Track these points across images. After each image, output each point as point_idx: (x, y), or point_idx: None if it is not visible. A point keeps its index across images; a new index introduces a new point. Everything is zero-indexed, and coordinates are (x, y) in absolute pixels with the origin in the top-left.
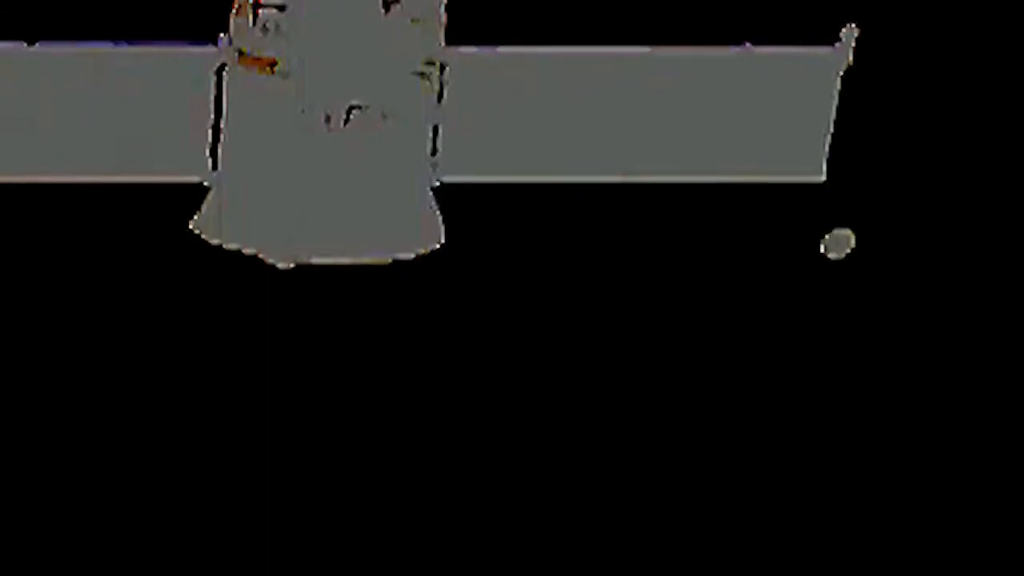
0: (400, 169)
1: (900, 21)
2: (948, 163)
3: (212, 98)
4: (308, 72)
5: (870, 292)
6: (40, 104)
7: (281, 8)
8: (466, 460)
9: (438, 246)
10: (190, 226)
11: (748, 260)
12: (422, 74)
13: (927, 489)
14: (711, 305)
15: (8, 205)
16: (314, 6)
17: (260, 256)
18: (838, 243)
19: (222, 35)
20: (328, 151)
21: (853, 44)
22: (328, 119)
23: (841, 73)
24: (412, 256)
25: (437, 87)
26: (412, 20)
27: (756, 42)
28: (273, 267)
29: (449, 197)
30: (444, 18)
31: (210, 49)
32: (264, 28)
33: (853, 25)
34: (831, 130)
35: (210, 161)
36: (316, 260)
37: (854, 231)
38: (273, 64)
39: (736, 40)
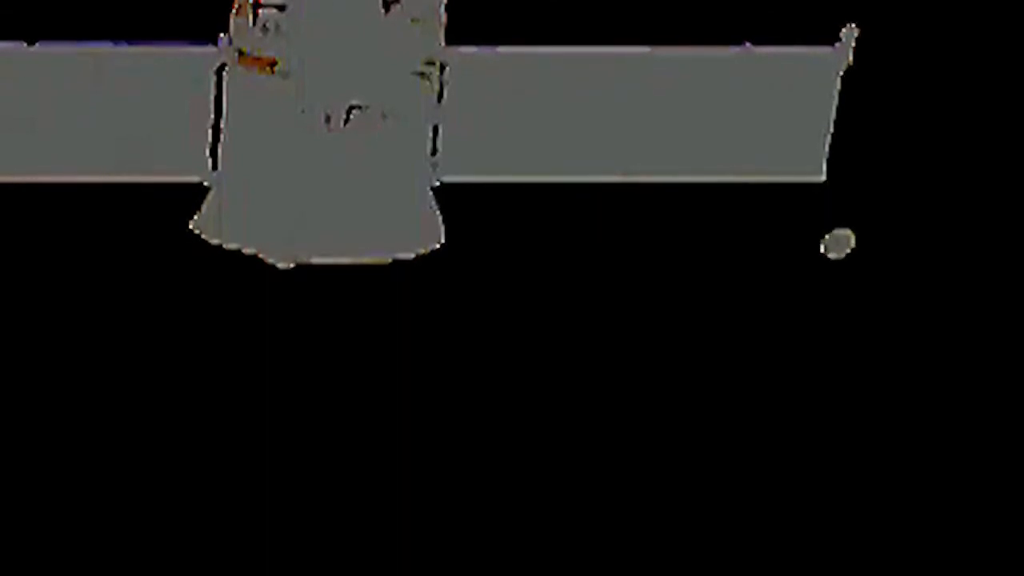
0: (400, 169)
1: (900, 21)
2: (948, 163)
3: (212, 98)
4: (308, 72)
5: (870, 292)
6: (40, 104)
7: (281, 8)
8: (466, 459)
9: (438, 246)
10: (190, 226)
11: (748, 260)
12: (422, 74)
13: (926, 488)
14: (711, 304)
15: (8, 205)
16: (314, 6)
17: (260, 256)
18: (838, 243)
19: (222, 35)
20: (328, 151)
21: (853, 44)
22: (328, 119)
23: (841, 73)
24: (412, 256)
25: (437, 87)
26: (412, 20)
27: (756, 42)
28: (273, 267)
29: (449, 197)
30: (444, 18)
31: (210, 49)
32: (264, 28)
33: (853, 25)
34: (831, 130)
35: (210, 161)
36: (316, 260)
37: (854, 231)
38: (273, 64)
39: (736, 40)
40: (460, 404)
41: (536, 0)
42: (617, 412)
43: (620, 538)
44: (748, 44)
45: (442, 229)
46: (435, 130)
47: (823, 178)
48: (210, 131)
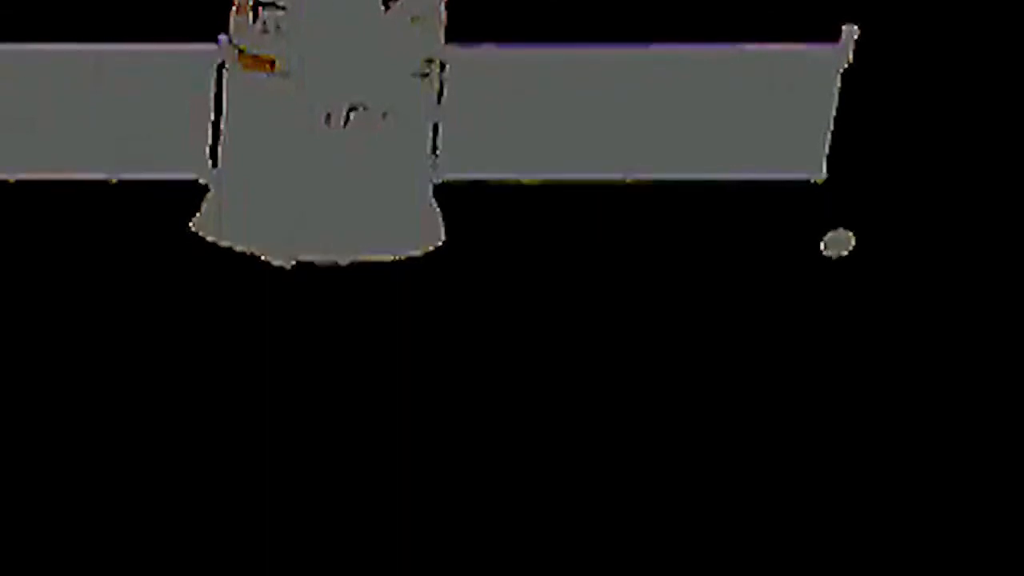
0: (400, 168)
1: (900, 21)
2: (948, 162)
3: (212, 97)
4: (308, 72)
5: (870, 292)
6: (40, 104)
7: (281, 8)
8: (465, 458)
9: (438, 245)
10: (190, 226)
11: (748, 259)
12: (422, 73)
13: (926, 487)
14: (711, 304)
15: (8, 204)
16: (314, 6)
17: (260, 255)
18: (838, 243)
19: (222, 34)
20: (328, 150)
21: (853, 43)
22: (328, 118)
23: (841, 71)
24: (412, 255)
25: (437, 86)
26: (412, 19)
27: (757, 41)
28: (273, 266)
29: (449, 196)
30: (444, 17)
31: (210, 48)
32: (264, 27)
33: (854, 24)
34: (831, 128)
35: (210, 160)
36: (316, 259)
37: (854, 231)
38: (273, 63)
39: (736, 40)
40: (460, 402)
41: (536, 0)
42: (617, 410)
43: (620, 537)
44: (746, 45)
45: (442, 228)
46: (435, 129)
47: (823, 176)
48: (210, 130)
